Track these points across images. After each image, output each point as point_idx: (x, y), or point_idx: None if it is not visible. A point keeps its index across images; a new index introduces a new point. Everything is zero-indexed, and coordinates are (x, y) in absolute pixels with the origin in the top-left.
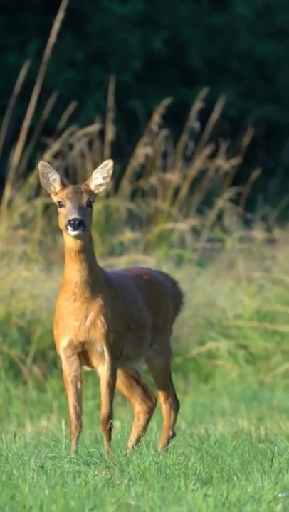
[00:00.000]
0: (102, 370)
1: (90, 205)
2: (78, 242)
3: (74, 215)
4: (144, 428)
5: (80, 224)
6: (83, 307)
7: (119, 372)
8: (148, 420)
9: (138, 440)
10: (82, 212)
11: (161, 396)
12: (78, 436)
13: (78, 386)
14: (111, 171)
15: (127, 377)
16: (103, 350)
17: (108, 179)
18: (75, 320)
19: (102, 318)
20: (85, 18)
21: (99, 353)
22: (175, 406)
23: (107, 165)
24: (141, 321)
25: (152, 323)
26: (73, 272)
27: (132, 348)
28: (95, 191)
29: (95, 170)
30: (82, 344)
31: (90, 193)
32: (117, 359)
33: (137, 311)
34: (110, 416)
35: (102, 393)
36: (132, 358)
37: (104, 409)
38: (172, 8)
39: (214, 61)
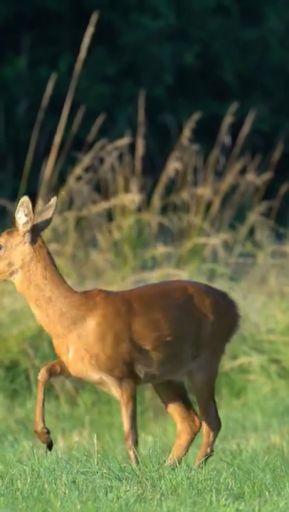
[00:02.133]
0: (115, 393)
1: None
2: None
3: None
4: (185, 448)
5: None
6: (62, 343)
7: (166, 389)
8: (190, 441)
9: (177, 459)
10: None
11: (202, 413)
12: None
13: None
14: (30, 205)
15: (174, 396)
16: (102, 379)
17: (31, 214)
18: (61, 356)
19: (84, 351)
20: (116, 33)
21: (100, 381)
22: (216, 425)
23: (23, 203)
24: (171, 337)
25: (194, 337)
26: (33, 311)
27: (156, 366)
28: (23, 229)
29: (16, 211)
30: (81, 378)
31: (8, 236)
32: (128, 378)
33: (167, 327)
34: (132, 432)
35: (121, 411)
36: (162, 374)
37: (124, 426)
38: (204, 22)
39: (246, 75)
